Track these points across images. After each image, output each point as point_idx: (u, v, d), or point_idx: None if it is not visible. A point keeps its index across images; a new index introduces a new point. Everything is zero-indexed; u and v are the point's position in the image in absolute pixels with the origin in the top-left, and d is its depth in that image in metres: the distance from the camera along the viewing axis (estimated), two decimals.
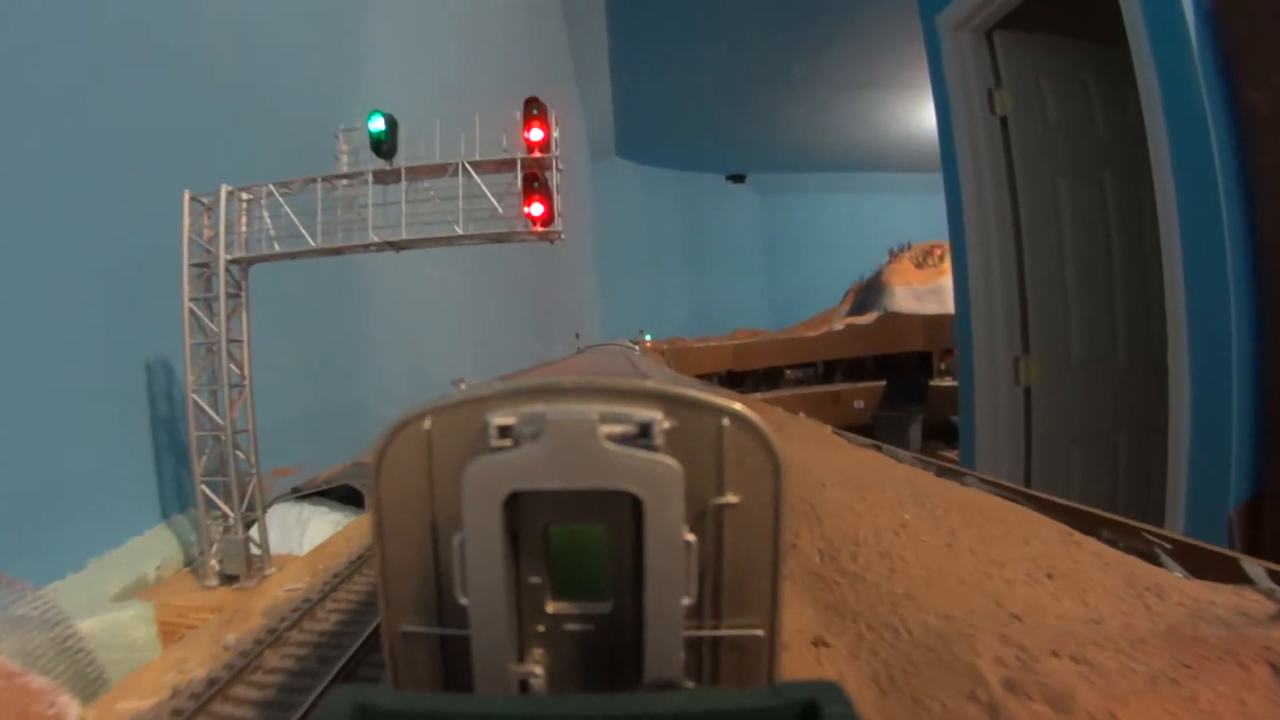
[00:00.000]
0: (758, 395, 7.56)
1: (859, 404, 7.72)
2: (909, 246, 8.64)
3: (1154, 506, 2.73)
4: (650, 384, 0.39)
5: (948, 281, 8.12)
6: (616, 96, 6.65)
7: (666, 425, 0.37)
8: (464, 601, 0.37)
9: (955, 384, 7.03)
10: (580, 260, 5.42)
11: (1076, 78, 2.76)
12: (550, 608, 0.40)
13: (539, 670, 0.39)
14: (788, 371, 8.26)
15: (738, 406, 0.38)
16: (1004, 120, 2.56)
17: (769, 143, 8.02)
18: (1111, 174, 2.71)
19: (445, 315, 1.81)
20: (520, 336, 2.37)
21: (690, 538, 0.37)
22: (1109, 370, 2.62)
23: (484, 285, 2.08)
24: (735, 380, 7.61)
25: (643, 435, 0.37)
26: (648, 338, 5.59)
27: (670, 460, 0.36)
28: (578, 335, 3.17)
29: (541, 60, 4.25)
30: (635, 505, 0.37)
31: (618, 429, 0.37)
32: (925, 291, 8.15)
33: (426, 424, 0.39)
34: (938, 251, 8.51)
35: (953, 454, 2.90)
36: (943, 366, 7.93)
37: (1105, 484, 2.66)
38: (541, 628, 0.40)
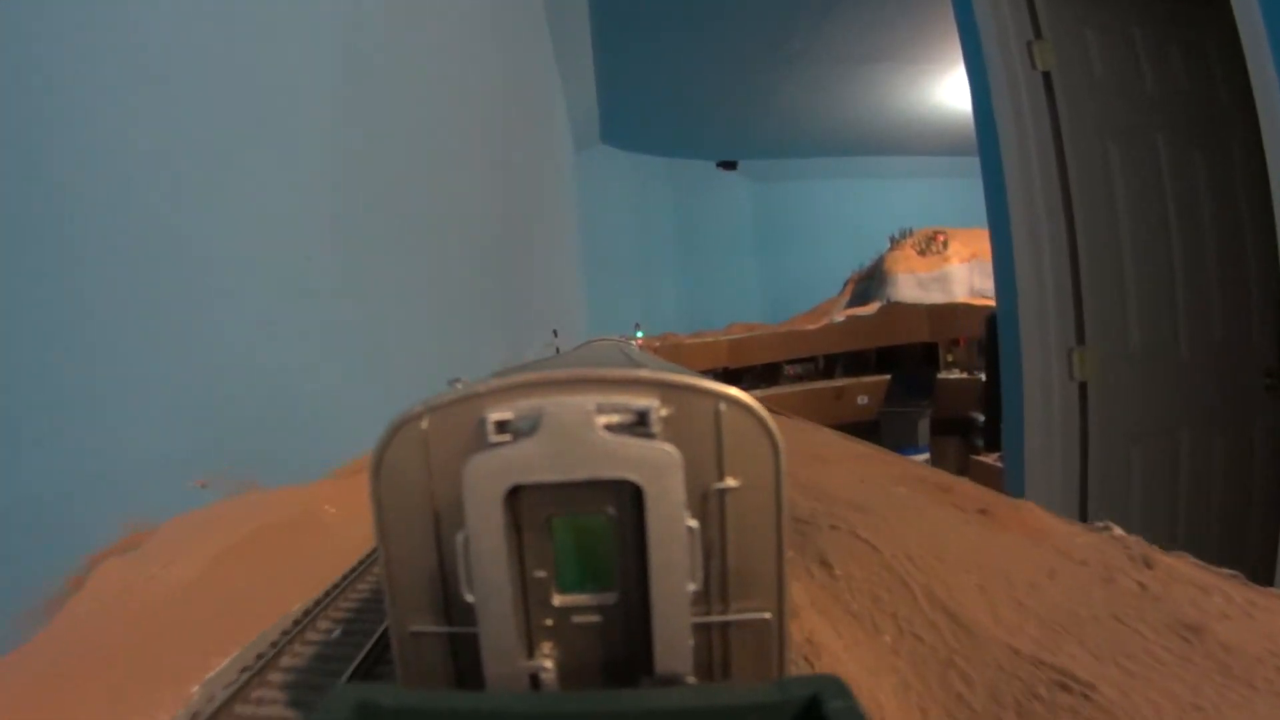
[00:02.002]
0: (756, 393, 7.30)
1: (863, 399, 7.45)
2: (911, 233, 8.38)
3: (1215, 513, 2.48)
4: (645, 372, 0.38)
5: (952, 269, 7.91)
6: (600, 76, 6.32)
7: (663, 412, 0.37)
8: (470, 599, 0.37)
9: (965, 376, 6.81)
10: (561, 253, 5.11)
11: (1123, 30, 2.48)
12: (557, 600, 0.40)
13: (549, 664, 0.39)
14: (787, 367, 7.97)
15: (734, 391, 0.38)
16: (1046, 76, 2.28)
17: (762, 125, 7.73)
18: (1165, 139, 2.44)
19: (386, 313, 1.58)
20: (483, 336, 2.10)
21: (693, 523, 0.37)
22: (1169, 363, 2.35)
23: (437, 279, 1.83)
24: (732, 377, 7.30)
25: (640, 423, 0.37)
26: (640, 335, 5.30)
27: (669, 447, 0.36)
28: (555, 332, 2.94)
29: (517, 38, 3.94)
30: (636, 493, 0.37)
31: (615, 418, 0.37)
32: (929, 279, 7.89)
33: (424, 423, 0.39)
34: (940, 238, 8.25)
35: (988, 458, 2.64)
36: (949, 358, 7.67)
37: (1166, 488, 2.40)
38: (549, 621, 0.40)
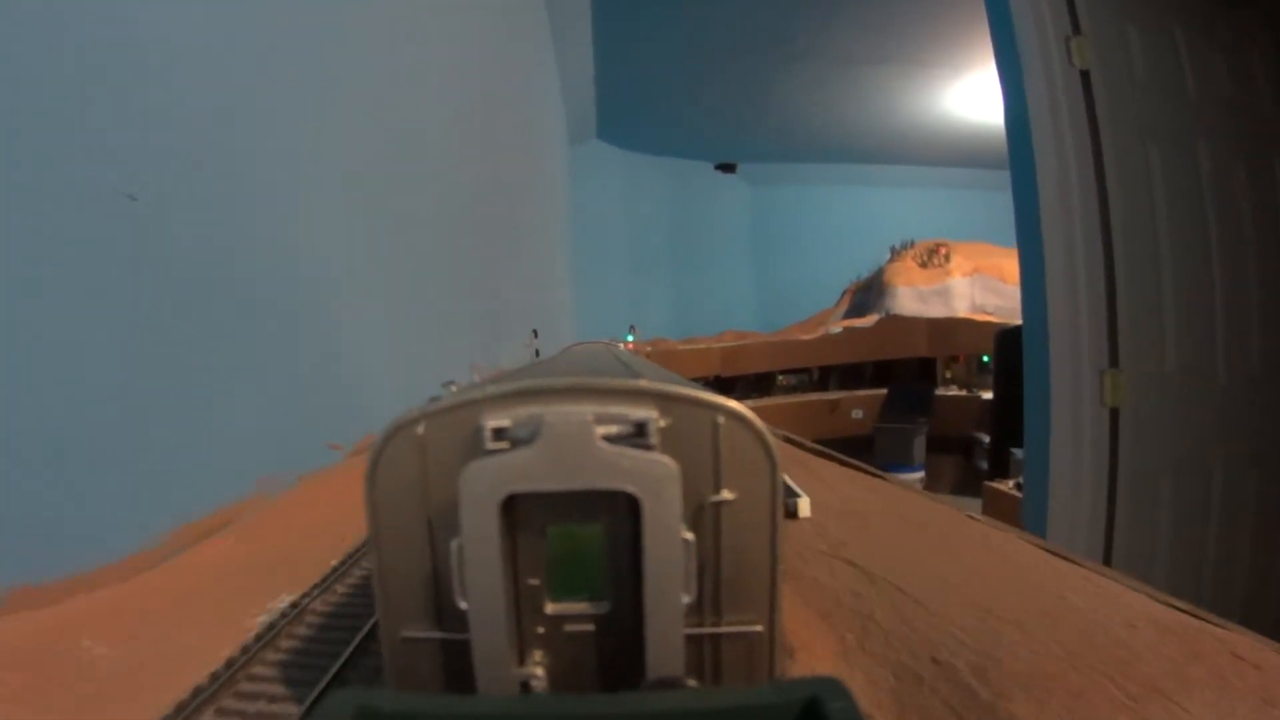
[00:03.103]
0: (748, 403, 7.11)
1: (858, 413, 7.31)
2: (912, 244, 8.26)
3: (1244, 557, 2.34)
4: (644, 383, 0.38)
5: (954, 283, 7.80)
6: (599, 68, 6.15)
7: (662, 424, 0.37)
8: (463, 605, 0.37)
9: (964, 394, 6.69)
10: (548, 250, 4.93)
11: (1164, 29, 2.34)
12: (550, 609, 0.40)
13: (540, 672, 0.39)
14: (780, 377, 7.82)
15: (733, 404, 0.39)
16: (1085, 75, 2.13)
17: (763, 127, 7.58)
18: (1206, 148, 2.30)
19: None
20: (453, 336, 1.93)
21: (689, 536, 0.37)
22: (1205, 389, 2.21)
23: (397, 273, 1.65)
24: (724, 386, 7.14)
25: (638, 434, 0.37)
26: (629, 339, 5.12)
27: (666, 459, 0.36)
28: (535, 333, 2.80)
29: (514, 25, 3.77)
30: (632, 504, 0.37)
31: (613, 429, 0.37)
32: (930, 293, 7.77)
33: (420, 429, 0.39)
34: (943, 250, 8.14)
35: (1002, 485, 2.49)
36: (948, 375, 7.56)
37: (1196, 525, 2.25)
38: (541, 629, 0.40)
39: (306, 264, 1.26)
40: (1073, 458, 1.93)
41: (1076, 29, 2.16)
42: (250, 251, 1.09)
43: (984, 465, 4.61)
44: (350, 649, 0.59)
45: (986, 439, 4.87)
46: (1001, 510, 2.34)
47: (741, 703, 0.31)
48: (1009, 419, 3.55)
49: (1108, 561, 2.11)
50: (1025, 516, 2.09)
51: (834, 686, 0.29)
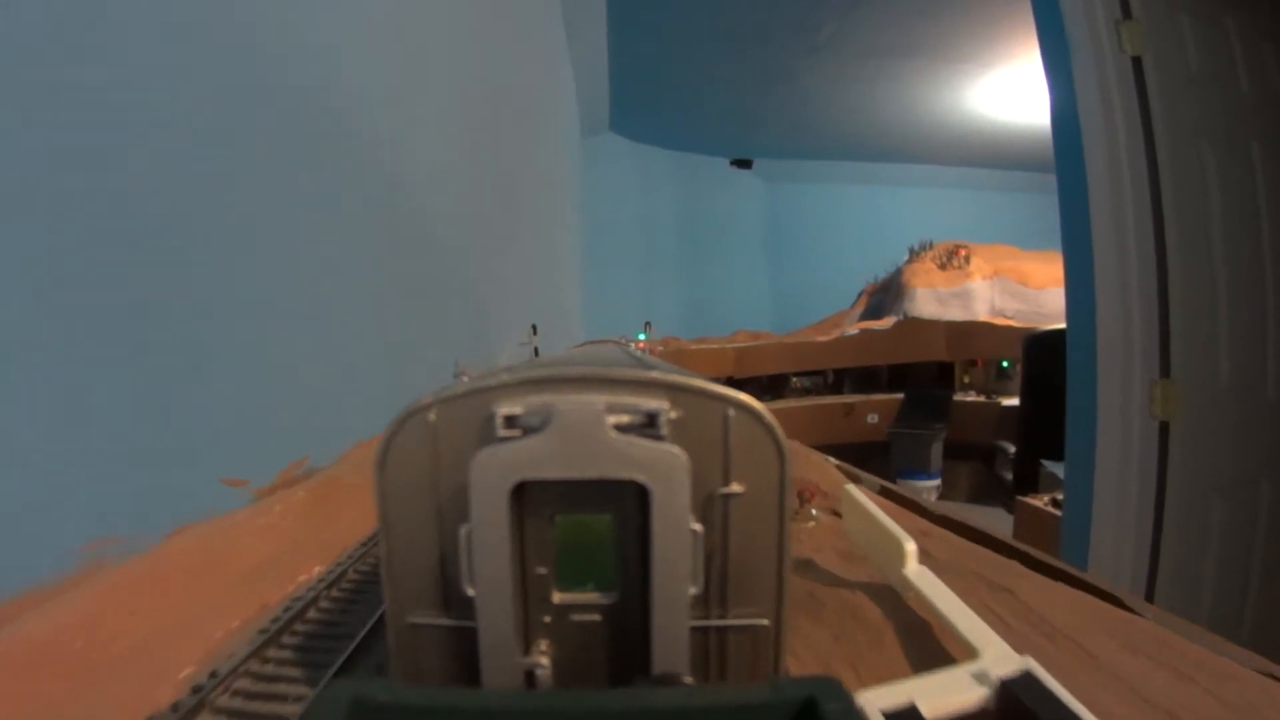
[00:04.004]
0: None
1: (873, 418, 7.19)
2: (931, 245, 8.14)
3: None
4: (656, 374, 0.38)
5: (974, 285, 7.70)
6: (613, 57, 6.05)
7: (673, 415, 0.38)
8: (470, 592, 0.38)
9: (982, 400, 6.58)
10: (554, 245, 4.84)
11: (1217, 21, 2.23)
12: (557, 598, 0.40)
13: (545, 661, 0.39)
14: (794, 379, 7.71)
15: (743, 396, 0.39)
16: (1137, 62, 2.02)
17: (780, 122, 7.47)
18: (1260, 148, 2.19)
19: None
20: (442, 333, 1.82)
21: (697, 527, 0.37)
22: (1256, 402, 2.10)
23: (381, 266, 1.51)
24: (737, 387, 6.98)
25: (649, 425, 0.37)
26: (640, 337, 5.03)
27: (677, 450, 0.37)
28: (534, 328, 2.73)
29: (527, 11, 3.67)
30: (642, 495, 0.37)
31: (625, 418, 0.37)
32: (949, 295, 7.65)
33: (432, 415, 0.39)
34: (962, 252, 8.02)
35: (1036, 500, 2.38)
36: (966, 379, 7.43)
37: (1243, 547, 2.15)
38: (548, 618, 0.40)
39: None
40: (1119, 473, 1.82)
41: (1127, 13, 2.05)
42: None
43: (1008, 476, 4.49)
44: None
45: (1011, 448, 4.75)
46: (1036, 528, 2.23)
47: (738, 701, 0.31)
48: (1039, 429, 3.44)
49: (1152, 583, 2.00)
50: (1065, 535, 1.99)
51: (832, 687, 0.29)
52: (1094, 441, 1.84)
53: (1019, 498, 2.43)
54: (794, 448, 0.62)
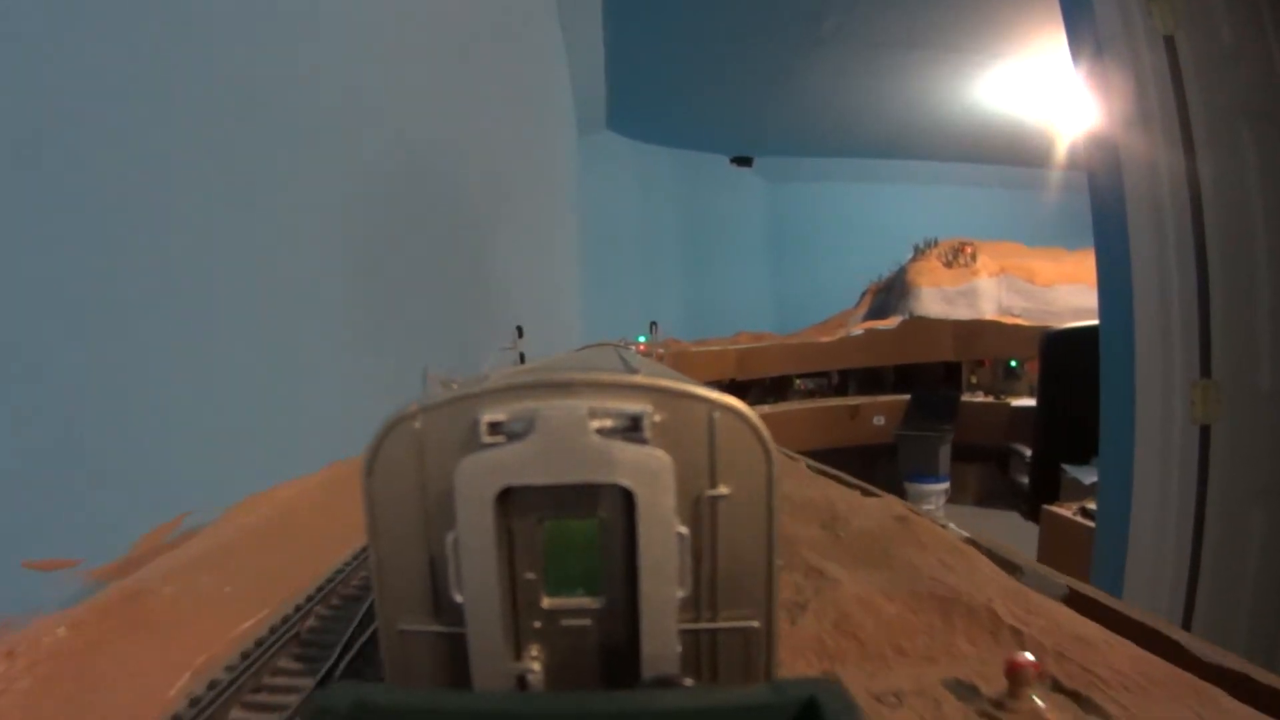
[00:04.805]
0: (765, 407, 6.92)
1: (879, 420, 7.08)
2: (936, 243, 8.05)
3: None
4: (639, 378, 0.39)
5: (981, 283, 7.59)
6: (610, 52, 5.94)
7: (657, 418, 0.38)
8: (459, 599, 0.38)
9: (991, 400, 6.47)
10: (549, 246, 4.73)
11: None
12: (546, 603, 0.40)
13: (536, 666, 0.39)
14: (797, 381, 7.60)
15: (728, 398, 0.39)
16: (1169, 42, 1.91)
17: (782, 118, 7.37)
18: None
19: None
20: (423, 338, 1.70)
21: (683, 530, 0.38)
22: None
23: (357, 267, 1.38)
24: (739, 390, 6.93)
25: (633, 428, 0.37)
26: (642, 339, 4.92)
27: (661, 453, 0.37)
28: (520, 330, 2.64)
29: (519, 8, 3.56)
30: (628, 499, 0.37)
31: (608, 423, 0.37)
32: (955, 294, 7.56)
33: (417, 423, 0.39)
34: (968, 249, 7.94)
35: (1065, 509, 2.26)
36: (973, 380, 7.33)
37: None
38: (538, 623, 0.40)
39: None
40: (1160, 480, 1.71)
41: None
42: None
43: (1023, 480, 4.37)
44: None
45: (1026, 451, 4.63)
46: (1065, 539, 2.12)
47: (738, 702, 0.31)
48: (1058, 432, 3.33)
49: (1191, 595, 1.89)
50: (1099, 546, 1.87)
51: (832, 687, 0.29)
52: (1131, 447, 1.73)
53: (1045, 507, 2.31)
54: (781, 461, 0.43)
